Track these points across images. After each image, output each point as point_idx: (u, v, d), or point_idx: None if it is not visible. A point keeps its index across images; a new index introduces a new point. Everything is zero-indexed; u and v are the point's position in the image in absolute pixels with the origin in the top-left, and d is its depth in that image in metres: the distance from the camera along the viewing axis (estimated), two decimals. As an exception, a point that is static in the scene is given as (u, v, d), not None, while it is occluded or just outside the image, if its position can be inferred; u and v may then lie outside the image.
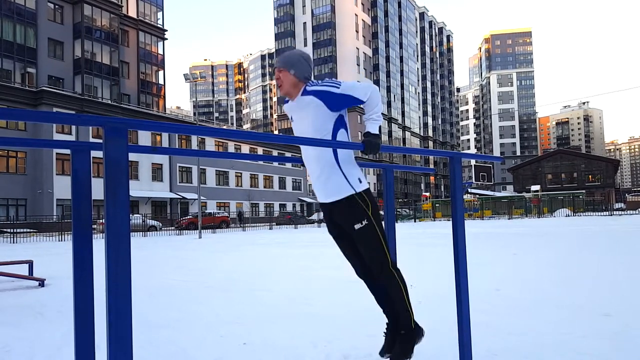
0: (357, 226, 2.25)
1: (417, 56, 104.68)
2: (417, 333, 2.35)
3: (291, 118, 2.46)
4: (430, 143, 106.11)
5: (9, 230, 26.11)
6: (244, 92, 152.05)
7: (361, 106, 2.31)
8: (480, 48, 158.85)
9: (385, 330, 2.46)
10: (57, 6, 41.32)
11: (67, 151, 1.98)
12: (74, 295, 1.90)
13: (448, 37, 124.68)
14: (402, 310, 2.32)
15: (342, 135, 2.30)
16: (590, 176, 64.52)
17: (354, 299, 4.97)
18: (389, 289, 2.32)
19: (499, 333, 3.43)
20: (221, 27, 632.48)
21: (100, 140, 1.45)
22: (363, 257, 2.35)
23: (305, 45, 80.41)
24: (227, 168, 53.33)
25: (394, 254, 2.80)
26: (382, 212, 2.73)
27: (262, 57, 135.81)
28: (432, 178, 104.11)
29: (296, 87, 2.34)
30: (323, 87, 2.25)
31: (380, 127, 2.34)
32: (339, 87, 2.23)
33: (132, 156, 38.43)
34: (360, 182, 2.29)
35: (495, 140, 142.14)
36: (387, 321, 2.47)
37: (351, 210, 2.26)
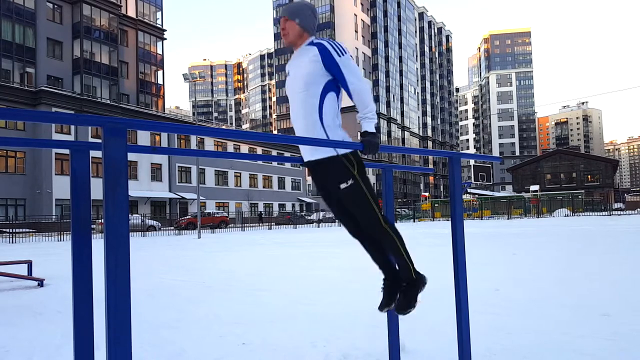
0: (342, 186, 2.23)
1: (416, 56, 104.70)
2: (419, 282, 2.36)
3: (288, 73, 2.43)
4: (430, 143, 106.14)
5: (8, 230, 26.07)
6: (243, 92, 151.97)
7: (352, 102, 2.28)
8: (479, 48, 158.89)
9: (382, 286, 2.46)
10: (56, 6, 41.27)
11: (66, 151, 1.98)
12: (73, 295, 1.90)
13: (447, 37, 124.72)
14: (402, 263, 2.32)
15: (331, 98, 2.28)
16: (589, 176, 64.54)
17: (353, 299, 4.97)
18: (385, 245, 2.32)
19: (499, 333, 3.43)
20: (220, 27, 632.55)
21: (100, 140, 1.45)
22: (354, 216, 2.33)
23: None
24: (226, 168, 53.31)
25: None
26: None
27: (262, 57, 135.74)
28: (431, 178, 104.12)
29: (301, 36, 2.34)
30: (328, 46, 2.24)
31: (376, 125, 2.33)
32: (340, 56, 2.22)
33: (131, 156, 38.39)
34: None
35: (495, 140, 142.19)
36: (383, 277, 2.46)
37: (335, 171, 2.25)
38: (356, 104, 2.28)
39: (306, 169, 2.43)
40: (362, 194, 2.23)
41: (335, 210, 2.45)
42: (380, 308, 2.43)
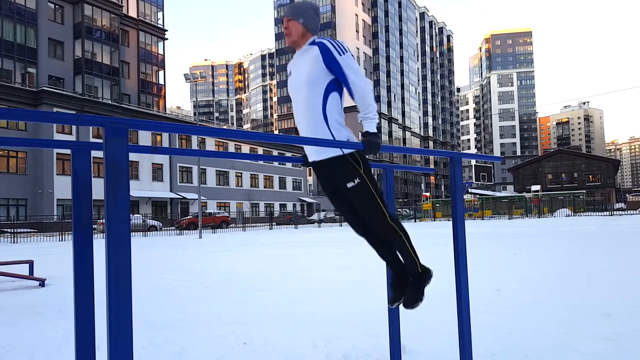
0: (349, 185, 2.23)
1: (418, 56, 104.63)
2: (425, 276, 2.38)
3: (290, 73, 2.43)
4: (431, 143, 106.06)
5: (9, 230, 26.11)
6: (244, 92, 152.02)
7: (353, 101, 2.29)
8: (480, 48, 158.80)
9: (390, 281, 2.49)
10: (57, 6, 41.31)
11: (68, 151, 1.98)
12: (74, 295, 1.90)
13: (448, 37, 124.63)
14: (408, 258, 2.33)
15: (334, 99, 2.27)
16: (590, 176, 64.45)
17: (354, 299, 4.97)
18: (392, 241, 2.34)
19: (499, 333, 3.43)
20: (221, 27, 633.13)
21: (101, 140, 1.45)
22: (360, 214, 2.34)
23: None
24: (228, 168, 53.32)
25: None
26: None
27: (263, 57, 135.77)
28: (432, 178, 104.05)
29: (304, 37, 2.33)
30: (329, 45, 2.23)
31: (378, 125, 2.32)
32: (341, 55, 2.21)
33: (133, 156, 38.43)
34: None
35: (496, 140, 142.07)
36: (392, 272, 2.49)
37: (341, 170, 2.25)
38: (357, 104, 2.27)
39: (307, 169, 2.44)
40: (369, 192, 2.23)
41: (340, 209, 2.45)
42: (390, 303, 2.46)
